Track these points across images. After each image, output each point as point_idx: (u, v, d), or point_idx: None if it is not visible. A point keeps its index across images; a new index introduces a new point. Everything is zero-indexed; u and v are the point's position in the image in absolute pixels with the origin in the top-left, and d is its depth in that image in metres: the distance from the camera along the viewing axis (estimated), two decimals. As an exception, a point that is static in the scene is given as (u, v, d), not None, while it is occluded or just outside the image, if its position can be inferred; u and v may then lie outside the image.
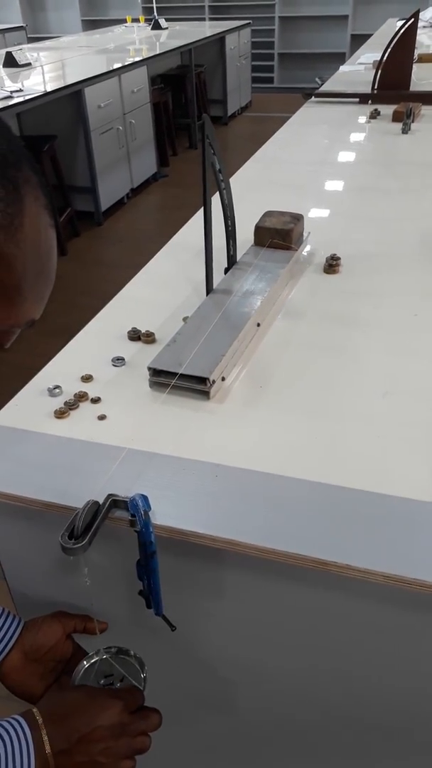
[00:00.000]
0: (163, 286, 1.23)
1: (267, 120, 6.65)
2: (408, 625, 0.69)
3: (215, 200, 1.08)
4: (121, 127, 4.36)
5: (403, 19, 2.62)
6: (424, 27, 4.86)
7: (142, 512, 0.64)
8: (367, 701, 0.79)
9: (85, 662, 0.75)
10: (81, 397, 0.90)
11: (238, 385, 0.93)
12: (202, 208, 1.02)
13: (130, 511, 0.66)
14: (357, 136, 2.21)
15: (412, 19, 2.52)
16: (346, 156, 2.02)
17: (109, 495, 0.69)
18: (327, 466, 0.76)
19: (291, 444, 0.81)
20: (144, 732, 0.68)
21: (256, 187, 1.77)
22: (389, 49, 2.59)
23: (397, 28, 2.62)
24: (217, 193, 1.09)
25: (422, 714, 0.78)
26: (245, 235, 1.25)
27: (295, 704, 0.85)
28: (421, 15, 5.04)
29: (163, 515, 0.69)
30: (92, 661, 0.76)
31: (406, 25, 2.53)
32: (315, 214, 1.54)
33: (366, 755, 0.89)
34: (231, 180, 1.80)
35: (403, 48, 2.57)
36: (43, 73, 4.26)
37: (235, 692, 0.88)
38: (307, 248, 1.33)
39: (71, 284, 3.55)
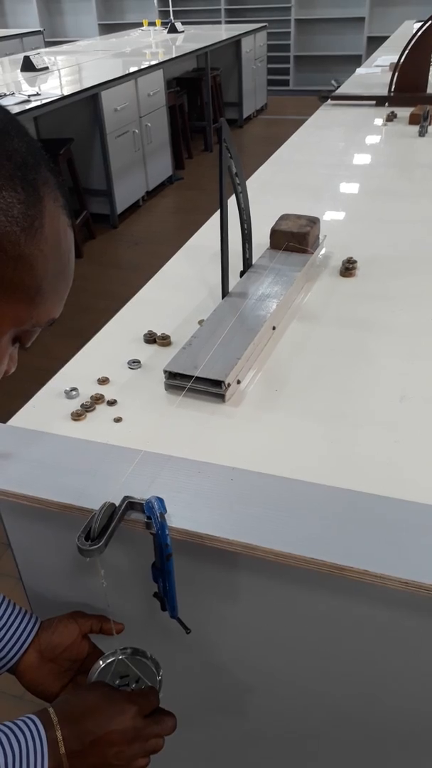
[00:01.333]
0: (179, 289, 1.23)
1: (283, 122, 6.65)
2: (425, 630, 0.69)
3: (231, 203, 1.08)
4: (137, 130, 4.38)
5: (420, 21, 2.60)
6: (442, 29, 4.83)
7: (158, 515, 0.64)
8: (382, 707, 0.79)
9: (101, 662, 0.76)
10: (97, 399, 0.90)
11: (254, 389, 0.93)
12: (219, 211, 1.02)
13: (146, 514, 0.67)
14: (373, 139, 2.20)
15: (430, 22, 2.51)
16: (362, 159, 2.01)
17: (125, 497, 0.69)
18: (343, 471, 0.76)
19: (307, 448, 0.80)
20: (158, 735, 0.68)
21: (272, 189, 1.77)
22: (406, 52, 2.58)
23: (414, 31, 2.61)
24: (233, 196, 1.09)
25: (438, 721, 0.78)
26: (261, 239, 1.25)
27: (308, 709, 0.85)
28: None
29: (179, 518, 0.69)
30: (108, 661, 0.76)
31: (424, 28, 2.52)
32: (331, 217, 1.53)
33: (381, 761, 0.88)
34: (247, 183, 1.81)
35: (420, 50, 2.56)
36: (60, 77, 4.30)
37: (247, 696, 0.88)
38: (323, 251, 1.32)
39: (87, 287, 3.57)
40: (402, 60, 2.60)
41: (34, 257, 0.47)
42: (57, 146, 3.68)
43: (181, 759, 1.08)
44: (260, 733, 0.93)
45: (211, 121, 5.94)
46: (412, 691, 0.75)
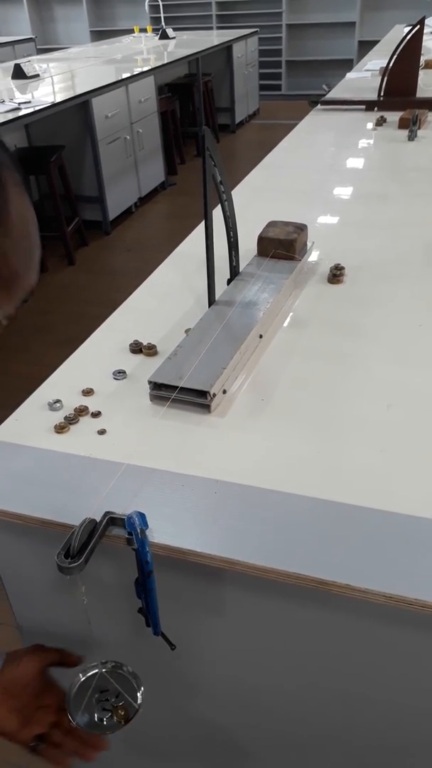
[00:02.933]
0: (166, 298, 1.22)
1: (275, 127, 6.67)
2: (409, 645, 0.68)
3: (218, 211, 1.07)
4: (128, 137, 4.38)
5: (410, 26, 2.61)
6: (432, 33, 4.85)
7: (139, 531, 0.63)
8: (367, 720, 0.78)
9: (81, 675, 0.75)
10: (81, 411, 0.89)
11: (240, 398, 0.92)
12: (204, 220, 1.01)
13: (127, 529, 0.66)
14: (363, 144, 2.20)
15: (418, 26, 2.51)
16: (351, 163, 2.01)
17: (107, 512, 0.68)
18: (329, 481, 0.75)
19: (293, 458, 0.79)
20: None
21: (262, 194, 1.76)
22: (395, 56, 2.58)
23: (404, 35, 2.61)
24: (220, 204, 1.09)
25: (423, 733, 0.77)
26: (251, 244, 1.25)
27: (295, 722, 0.84)
28: (429, 21, 5.04)
29: (161, 533, 0.68)
30: (88, 675, 0.75)
31: (412, 32, 2.53)
32: (320, 222, 1.53)
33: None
34: (238, 187, 1.81)
35: (409, 55, 2.57)
36: (52, 84, 4.29)
37: (235, 710, 0.86)
38: (312, 258, 1.32)
39: (79, 294, 3.56)
40: (391, 64, 2.61)
41: (6, 247, 0.45)
42: (48, 153, 3.68)
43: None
44: (248, 747, 0.92)
45: (204, 127, 5.95)
46: (398, 703, 0.74)
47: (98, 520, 0.67)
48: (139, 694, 0.73)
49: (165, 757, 1.04)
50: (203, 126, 1.06)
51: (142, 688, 0.73)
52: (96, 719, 0.72)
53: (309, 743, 0.86)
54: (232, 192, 1.45)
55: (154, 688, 0.77)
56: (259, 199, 1.72)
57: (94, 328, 1.13)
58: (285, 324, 1.11)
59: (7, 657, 0.74)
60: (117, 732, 0.71)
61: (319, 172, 1.93)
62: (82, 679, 0.74)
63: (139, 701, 0.72)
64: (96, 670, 0.74)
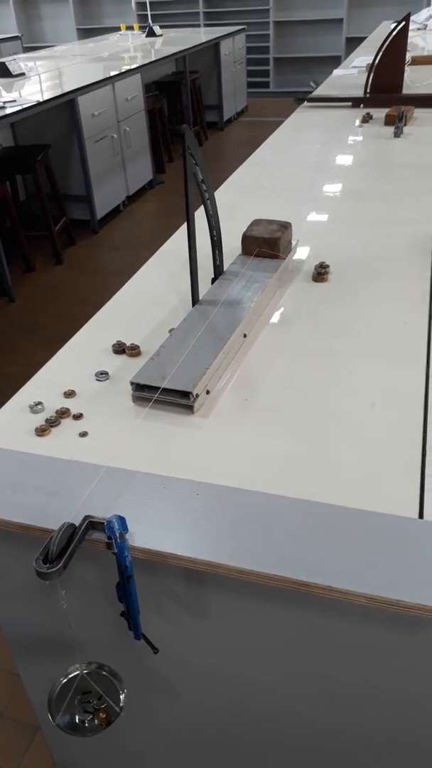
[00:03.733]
0: (150, 298, 1.21)
1: (263, 124, 6.66)
2: (391, 645, 0.67)
3: (202, 210, 1.07)
4: (115, 135, 4.36)
5: (396, 22, 2.61)
6: (419, 29, 4.86)
7: (118, 535, 0.63)
8: (351, 721, 0.78)
9: (62, 678, 0.74)
10: (63, 413, 0.88)
11: (224, 398, 0.91)
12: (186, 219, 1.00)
13: (107, 533, 0.65)
14: (349, 140, 2.20)
15: (404, 22, 2.51)
16: (338, 160, 2.00)
17: (86, 516, 0.67)
18: (312, 482, 0.74)
19: (276, 459, 0.79)
20: None
21: (248, 192, 1.76)
22: (381, 53, 2.58)
23: (390, 31, 2.61)
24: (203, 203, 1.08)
25: (407, 733, 0.76)
26: (236, 243, 1.24)
27: (280, 724, 0.83)
28: (415, 17, 5.05)
29: (142, 536, 0.67)
30: (70, 676, 0.74)
31: (398, 29, 2.52)
32: (305, 219, 1.52)
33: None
34: (223, 185, 1.80)
35: (394, 51, 2.56)
36: (40, 82, 4.26)
37: (220, 713, 0.86)
38: (296, 256, 1.31)
39: (67, 293, 3.54)
40: (377, 61, 2.60)
41: None
42: (35, 152, 3.65)
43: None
44: (233, 748, 0.91)
45: (192, 125, 5.93)
46: (382, 705, 0.74)
47: (78, 524, 0.67)
48: (122, 696, 0.72)
49: (151, 757, 1.03)
50: (183, 124, 1.06)
51: (125, 691, 0.72)
52: (77, 721, 0.72)
53: (293, 743, 0.85)
54: (218, 190, 1.44)
55: (139, 690, 0.76)
56: (244, 197, 1.72)
57: (82, 328, 1.12)
58: (269, 323, 1.10)
59: None
60: (99, 734, 0.71)
61: (305, 169, 1.93)
62: (64, 681, 0.73)
63: (121, 704, 0.71)
64: (77, 672, 0.74)
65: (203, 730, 0.90)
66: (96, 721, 0.71)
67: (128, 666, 0.77)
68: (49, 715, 0.72)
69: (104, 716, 0.71)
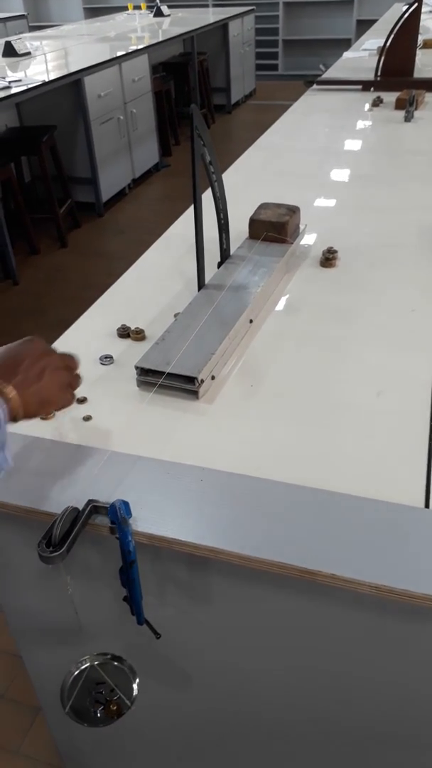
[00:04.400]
0: (156, 281, 1.20)
1: (271, 108, 6.57)
2: (396, 634, 0.67)
3: (209, 193, 1.05)
4: (122, 117, 4.32)
5: (408, 4, 2.56)
6: (431, 12, 4.77)
7: (122, 519, 0.62)
8: (355, 708, 0.78)
9: (73, 669, 0.74)
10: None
11: (229, 384, 0.91)
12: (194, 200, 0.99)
13: (110, 518, 0.64)
14: (359, 125, 2.17)
15: (416, 4, 2.46)
16: (347, 144, 1.97)
17: (90, 500, 0.67)
18: (317, 469, 0.74)
19: (281, 445, 0.78)
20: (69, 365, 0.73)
21: (256, 175, 1.74)
22: (392, 36, 2.53)
23: (401, 13, 2.56)
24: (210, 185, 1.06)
25: (411, 721, 0.76)
26: (243, 226, 1.22)
27: (284, 710, 0.84)
28: (428, 0, 4.95)
29: (145, 521, 0.67)
30: (81, 668, 0.74)
31: (410, 11, 2.48)
32: (313, 204, 1.50)
33: (355, 762, 0.87)
34: (231, 168, 1.78)
35: (406, 34, 2.52)
36: (45, 62, 4.21)
37: (222, 700, 0.86)
38: (304, 241, 1.30)
39: (72, 277, 3.52)
40: (388, 44, 2.56)
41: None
42: (40, 134, 3.62)
43: (161, 761, 1.07)
44: (238, 734, 0.92)
45: (199, 107, 5.87)
46: (386, 693, 0.74)
47: (81, 508, 0.66)
48: (134, 686, 0.72)
49: (153, 741, 1.04)
50: (192, 104, 1.04)
51: (138, 681, 0.72)
52: (89, 710, 0.72)
53: (295, 730, 0.86)
54: (226, 173, 1.42)
55: (143, 675, 0.76)
56: (252, 180, 1.70)
57: (86, 311, 1.11)
58: (276, 309, 1.09)
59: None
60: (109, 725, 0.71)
61: (314, 153, 1.90)
62: (75, 673, 0.73)
63: (134, 694, 0.71)
64: (88, 664, 0.74)
65: (205, 717, 0.90)
66: (107, 712, 0.71)
67: (132, 651, 0.77)
68: (60, 703, 0.72)
69: (115, 708, 0.71)
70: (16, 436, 0.81)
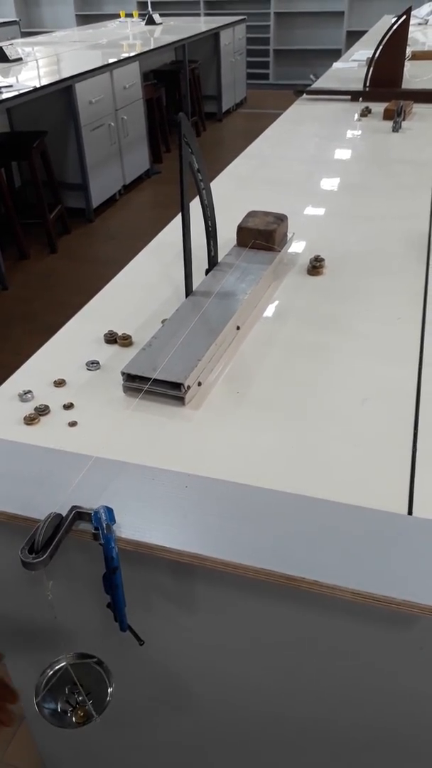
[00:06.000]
0: (144, 288, 1.20)
1: (262, 116, 6.62)
2: (378, 641, 0.67)
3: (197, 200, 1.05)
4: (113, 123, 4.33)
5: (397, 16, 2.59)
6: (420, 24, 4.84)
7: (105, 526, 0.62)
8: (338, 715, 0.78)
9: (48, 670, 0.73)
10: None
11: (216, 391, 0.91)
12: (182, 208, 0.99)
13: (94, 524, 0.64)
14: (347, 134, 2.19)
15: (404, 17, 2.49)
16: (335, 154, 1.99)
17: (73, 507, 0.67)
18: (302, 476, 0.74)
19: (267, 452, 0.78)
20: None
21: (245, 184, 1.75)
22: (381, 47, 2.56)
23: (390, 25, 2.59)
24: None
25: (394, 729, 0.76)
26: (231, 234, 1.23)
27: (267, 718, 0.83)
28: (416, 12, 5.02)
29: (129, 527, 0.67)
30: (56, 668, 0.73)
31: (398, 23, 2.51)
32: (302, 212, 1.51)
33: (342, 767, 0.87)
34: (220, 176, 1.79)
35: (394, 46, 2.55)
36: (37, 68, 4.22)
37: (207, 705, 0.86)
38: (292, 249, 1.30)
39: (61, 282, 3.52)
40: (377, 55, 2.59)
41: None
42: (31, 139, 3.62)
43: (136, 762, 1.07)
44: (218, 743, 0.91)
45: (190, 115, 5.90)
46: (368, 700, 0.74)
47: (65, 514, 0.66)
48: (109, 690, 0.72)
49: (136, 748, 1.03)
50: (179, 113, 1.04)
51: (113, 687, 0.72)
52: (60, 711, 0.71)
53: (280, 737, 0.85)
54: (215, 181, 1.43)
55: (124, 681, 0.76)
56: (241, 188, 1.70)
57: (74, 316, 1.11)
58: (263, 316, 1.09)
59: None
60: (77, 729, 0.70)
61: (303, 162, 1.92)
62: (49, 674, 0.73)
63: (107, 700, 0.70)
64: (63, 663, 0.73)
65: (190, 724, 0.90)
66: (74, 718, 0.70)
67: (114, 657, 0.76)
68: (35, 701, 0.71)
69: (82, 715, 0.70)
70: (1, 441, 0.81)
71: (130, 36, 5.91)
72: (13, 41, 5.55)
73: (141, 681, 0.85)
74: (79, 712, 0.70)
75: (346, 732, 0.79)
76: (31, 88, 3.44)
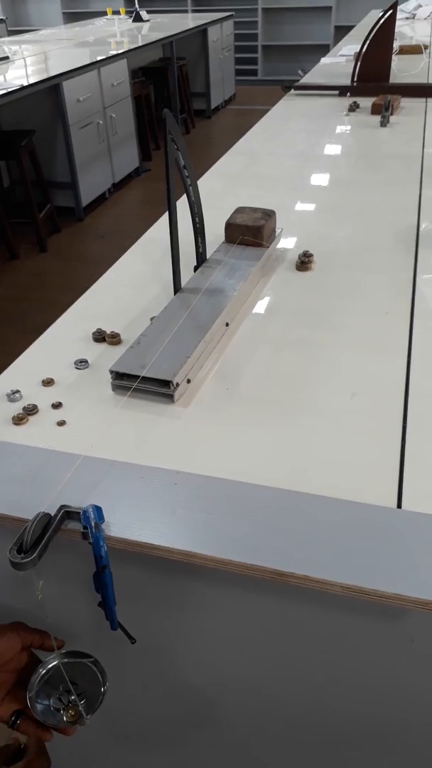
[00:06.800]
0: (132, 285, 1.20)
1: (251, 113, 6.61)
2: (368, 635, 0.67)
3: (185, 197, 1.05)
4: (101, 121, 4.31)
5: (384, 11, 2.59)
6: (407, 18, 4.84)
7: (93, 524, 0.62)
8: (329, 710, 0.78)
9: (41, 670, 0.73)
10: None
11: (205, 387, 0.91)
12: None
13: (83, 523, 0.64)
14: (335, 129, 2.19)
15: (391, 11, 2.49)
16: (324, 149, 1.99)
17: (62, 506, 0.66)
18: (291, 471, 0.74)
19: (256, 448, 0.78)
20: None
21: (233, 180, 1.74)
22: (368, 42, 2.56)
23: (377, 20, 2.59)
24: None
25: (385, 722, 0.77)
26: (220, 230, 1.23)
27: (264, 713, 0.84)
28: (403, 6, 5.02)
29: (118, 526, 0.66)
30: (48, 667, 0.73)
31: (385, 17, 2.51)
32: (290, 208, 1.51)
33: (331, 764, 0.87)
34: (208, 173, 1.78)
35: (381, 40, 2.55)
36: (24, 66, 4.19)
37: (203, 703, 0.86)
38: (280, 245, 1.30)
39: (51, 281, 3.51)
40: (364, 50, 2.59)
41: None
42: (19, 138, 3.60)
43: (132, 761, 1.07)
44: (213, 738, 0.91)
45: (179, 112, 5.88)
46: (357, 694, 0.74)
47: (53, 513, 0.66)
48: (102, 690, 0.71)
49: (139, 745, 1.03)
50: (165, 109, 1.03)
51: (106, 687, 0.71)
52: (52, 708, 0.71)
53: (272, 732, 0.86)
54: (203, 178, 1.43)
55: (119, 681, 0.75)
56: (229, 184, 1.70)
57: (62, 315, 1.11)
58: (252, 312, 1.09)
59: None
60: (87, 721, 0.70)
61: (291, 158, 1.92)
62: (42, 672, 0.72)
63: (99, 700, 0.70)
64: (58, 660, 0.73)
65: (182, 721, 0.90)
66: (65, 716, 0.70)
67: (108, 656, 0.76)
68: (28, 700, 0.71)
69: (73, 714, 0.70)
70: (-12, 441, 0.80)
71: (117, 33, 5.89)
72: (-1, 40, 5.52)
73: (133, 678, 0.85)
74: (70, 711, 0.70)
75: (337, 725, 0.80)
76: (18, 87, 3.42)
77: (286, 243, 1.32)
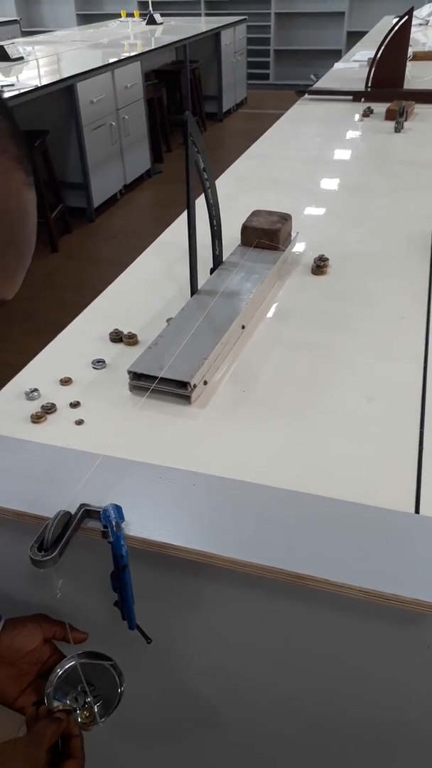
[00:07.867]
0: (148, 286, 1.21)
1: (262, 117, 6.62)
2: (386, 639, 0.67)
3: (202, 200, 1.06)
4: (114, 123, 4.33)
5: (398, 17, 2.59)
6: (420, 24, 4.84)
7: (114, 524, 0.62)
8: (347, 714, 0.78)
9: (59, 670, 0.73)
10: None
11: (221, 389, 0.91)
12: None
13: (103, 522, 0.64)
14: (349, 135, 2.19)
15: (406, 17, 2.50)
16: (337, 154, 1.99)
17: (82, 505, 0.67)
18: (309, 474, 0.74)
19: (273, 451, 0.79)
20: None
21: (248, 184, 1.75)
22: (383, 47, 2.56)
23: (392, 26, 2.60)
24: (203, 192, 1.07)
25: (401, 727, 0.77)
26: (235, 233, 1.23)
27: (277, 716, 0.84)
28: (417, 12, 5.02)
29: (138, 525, 0.67)
30: (66, 667, 0.73)
31: (400, 23, 2.51)
32: (305, 212, 1.52)
33: (350, 764, 0.87)
34: (223, 176, 1.79)
35: (396, 46, 2.55)
36: (38, 67, 4.21)
37: (216, 704, 0.86)
38: (296, 248, 1.31)
39: (62, 281, 3.52)
40: (379, 56, 2.59)
41: None
42: (32, 138, 3.62)
43: (142, 757, 1.07)
44: (230, 740, 0.92)
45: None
46: (368, 697, 0.74)
47: (73, 512, 0.66)
48: (119, 691, 0.72)
49: (146, 743, 1.03)
50: (186, 111, 1.05)
51: (124, 682, 0.71)
52: (68, 707, 0.72)
53: (287, 735, 0.86)
54: (218, 180, 1.43)
55: (134, 680, 0.76)
56: (244, 188, 1.71)
57: (77, 316, 1.11)
58: (268, 315, 1.09)
59: (7, 623, 0.73)
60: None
61: (305, 162, 1.92)
62: (59, 672, 0.73)
63: (116, 702, 0.70)
64: (76, 660, 0.73)
65: (195, 721, 0.90)
66: (79, 717, 0.70)
67: (123, 655, 0.76)
68: (45, 698, 0.72)
69: (87, 715, 0.71)
70: (8, 439, 0.81)
71: (131, 36, 5.91)
72: (14, 40, 5.54)
73: (145, 677, 0.86)
74: (85, 712, 0.70)
75: (346, 728, 0.80)
76: (32, 88, 3.44)
77: (301, 247, 1.33)
